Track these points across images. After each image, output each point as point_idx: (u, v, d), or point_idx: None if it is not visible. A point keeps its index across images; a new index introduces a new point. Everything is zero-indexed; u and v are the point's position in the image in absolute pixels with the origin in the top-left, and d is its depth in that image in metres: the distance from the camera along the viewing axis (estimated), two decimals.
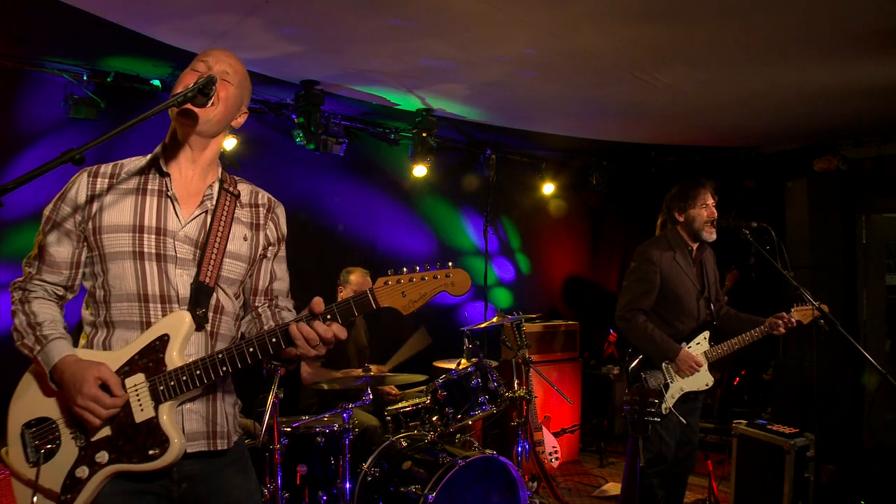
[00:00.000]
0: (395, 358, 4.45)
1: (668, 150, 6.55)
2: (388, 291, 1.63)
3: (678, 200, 3.55)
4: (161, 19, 3.50)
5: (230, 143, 4.57)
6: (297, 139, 4.78)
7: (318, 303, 1.61)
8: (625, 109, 5.15)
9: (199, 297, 1.71)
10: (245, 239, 1.80)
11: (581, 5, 3.30)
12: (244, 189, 1.87)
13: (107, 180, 1.72)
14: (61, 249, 1.72)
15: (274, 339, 1.62)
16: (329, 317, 1.61)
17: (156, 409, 1.63)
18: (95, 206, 1.69)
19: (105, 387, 1.61)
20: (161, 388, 1.63)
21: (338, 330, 1.60)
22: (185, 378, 1.63)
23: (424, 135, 5.28)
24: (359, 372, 4.02)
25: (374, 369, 4.14)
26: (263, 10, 3.35)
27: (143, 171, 1.74)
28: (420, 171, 5.54)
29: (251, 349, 1.64)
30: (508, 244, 6.93)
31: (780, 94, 4.66)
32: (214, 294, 1.75)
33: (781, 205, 5.72)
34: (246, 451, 1.90)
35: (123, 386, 1.64)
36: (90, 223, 1.69)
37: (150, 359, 1.65)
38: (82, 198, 1.70)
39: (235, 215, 1.79)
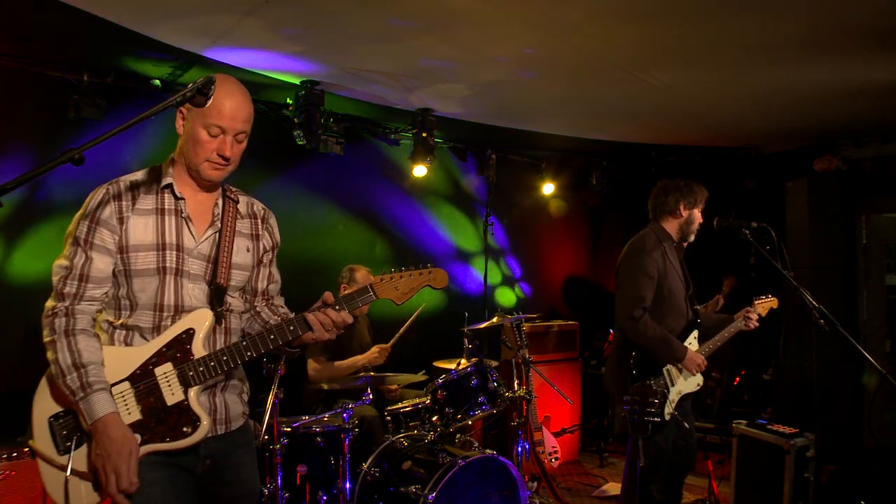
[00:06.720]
0: (395, 337, 4.46)
1: (668, 150, 6.55)
2: (384, 286, 2.04)
3: (689, 196, 3.49)
4: (161, 19, 3.50)
5: None
6: (297, 139, 4.78)
7: (329, 296, 1.98)
8: (625, 109, 5.14)
9: (217, 297, 1.98)
10: (248, 250, 2.09)
11: (581, 5, 3.30)
12: (242, 200, 2.14)
13: (129, 203, 1.92)
14: (105, 267, 1.90)
15: (292, 327, 1.95)
16: (338, 307, 1.98)
17: (185, 392, 1.88)
18: (122, 227, 1.90)
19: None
20: (191, 373, 1.88)
21: (346, 316, 1.98)
22: (213, 364, 1.91)
23: (424, 135, 5.27)
24: (364, 361, 4.25)
25: (377, 349, 4.36)
26: (263, 10, 3.35)
27: (159, 192, 1.96)
28: (420, 171, 5.54)
29: (272, 336, 1.94)
30: (508, 244, 6.93)
31: (780, 94, 4.65)
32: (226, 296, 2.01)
33: (781, 205, 5.71)
34: (252, 433, 2.22)
35: (151, 375, 1.87)
36: (119, 242, 1.90)
37: (178, 350, 1.90)
38: (114, 220, 1.90)
39: (238, 229, 2.08)
